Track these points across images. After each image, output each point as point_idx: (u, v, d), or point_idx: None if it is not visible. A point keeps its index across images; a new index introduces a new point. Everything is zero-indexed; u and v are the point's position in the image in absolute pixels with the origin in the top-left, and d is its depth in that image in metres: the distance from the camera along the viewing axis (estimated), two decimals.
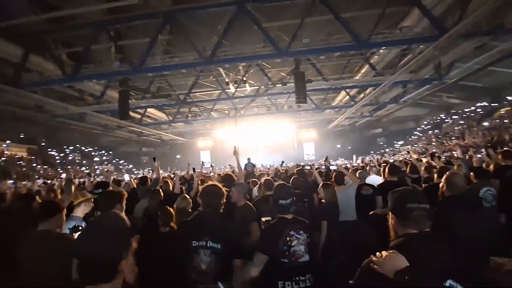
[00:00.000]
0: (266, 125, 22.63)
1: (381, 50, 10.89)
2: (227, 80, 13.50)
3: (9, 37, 8.46)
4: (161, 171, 4.96)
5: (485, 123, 18.15)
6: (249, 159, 10.27)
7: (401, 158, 11.26)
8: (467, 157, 7.29)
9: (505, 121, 16.39)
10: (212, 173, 7.47)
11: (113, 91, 13.01)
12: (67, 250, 1.93)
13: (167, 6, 8.34)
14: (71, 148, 26.38)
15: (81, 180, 10.13)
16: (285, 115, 19.53)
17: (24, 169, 19.28)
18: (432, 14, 7.95)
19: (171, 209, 2.75)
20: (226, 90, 14.42)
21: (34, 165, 21.13)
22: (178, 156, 31.57)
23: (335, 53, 9.63)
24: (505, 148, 5.07)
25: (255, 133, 24.23)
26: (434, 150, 15.60)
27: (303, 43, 9.01)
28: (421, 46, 9.70)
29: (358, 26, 8.83)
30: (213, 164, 10.43)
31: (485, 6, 6.95)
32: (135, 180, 5.89)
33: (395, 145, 26.45)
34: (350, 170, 4.87)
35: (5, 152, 19.83)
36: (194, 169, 5.69)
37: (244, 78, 13.07)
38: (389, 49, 10.56)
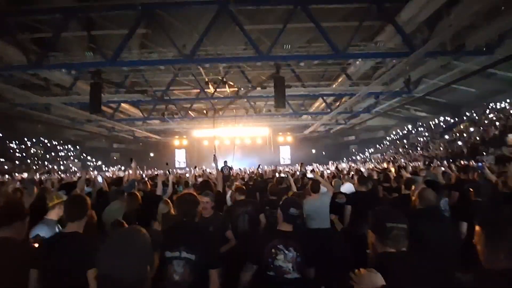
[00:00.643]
0: (243, 127, 22.63)
1: (357, 61, 11.32)
2: (206, 79, 13.30)
3: None
4: (139, 171, 4.74)
5: (446, 136, 19.53)
6: (225, 162, 10.19)
7: (371, 166, 11.76)
8: (431, 168, 7.75)
9: (464, 135, 17.74)
10: (187, 175, 7.30)
11: (83, 83, 12.30)
12: (23, 260, 1.77)
13: None
14: (33, 140, 24.52)
15: (44, 177, 9.45)
16: (263, 118, 19.65)
17: None
18: (404, 32, 8.42)
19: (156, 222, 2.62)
20: (205, 90, 14.20)
21: None
22: (151, 154, 30.59)
23: (314, 61, 9.88)
24: (463, 163, 5.50)
25: (233, 135, 24.15)
26: (403, 161, 16.49)
27: (284, 49, 9.14)
28: (393, 61, 10.22)
29: (337, 36, 9.12)
30: (189, 168, 10.19)
31: (449, 29, 7.53)
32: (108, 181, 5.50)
33: (366, 153, 27.66)
34: (326, 177, 4.99)
35: None
36: (169, 171, 5.52)
37: (224, 79, 12.95)
38: (364, 61, 11.01)
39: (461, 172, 5.25)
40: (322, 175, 5.04)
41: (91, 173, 11.24)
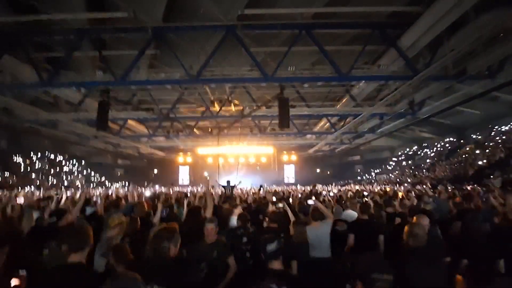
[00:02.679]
0: (248, 146, 22.66)
1: (361, 83, 11.46)
2: (212, 98, 13.52)
3: None
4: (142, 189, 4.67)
5: (452, 158, 19.31)
6: (228, 181, 10.11)
7: (377, 189, 11.54)
8: (436, 193, 7.59)
9: (469, 157, 17.51)
10: (189, 192, 7.24)
11: (92, 99, 12.59)
12: None
13: (157, 22, 8.35)
14: (38, 155, 24.75)
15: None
16: (268, 137, 19.72)
17: None
18: (407, 55, 8.57)
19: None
20: (210, 109, 14.40)
21: None
22: (155, 171, 30.62)
23: (318, 82, 10.04)
24: (468, 188, 5.40)
25: (237, 153, 24.16)
26: (406, 185, 16.21)
27: (289, 70, 9.33)
28: (396, 83, 10.34)
29: (340, 59, 9.31)
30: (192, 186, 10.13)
31: (450, 54, 7.66)
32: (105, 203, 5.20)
33: (372, 173, 27.31)
34: (328, 201, 4.89)
35: None
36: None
37: (230, 98, 13.16)
38: (368, 83, 11.15)
39: (464, 200, 5.14)
40: (323, 200, 4.94)
41: (92, 191, 11.19)
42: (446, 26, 7.38)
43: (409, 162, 24.64)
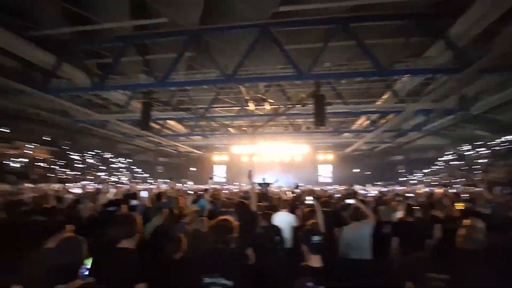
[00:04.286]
0: (282, 144, 22.53)
1: (404, 78, 10.73)
2: (246, 97, 13.66)
3: (42, 45, 9.03)
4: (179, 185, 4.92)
5: (511, 159, 17.21)
6: (263, 179, 10.11)
7: (421, 191, 10.71)
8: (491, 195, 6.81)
9: None
10: (225, 191, 7.39)
11: (136, 101, 13.48)
12: None
13: (194, 25, 8.66)
14: (91, 153, 27.26)
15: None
16: (302, 135, 19.40)
17: (43, 170, 19.99)
18: (457, 46, 7.80)
19: (181, 234, 2.68)
20: (245, 107, 14.58)
21: (54, 167, 21.88)
22: (192, 169, 31.87)
23: (356, 78, 9.61)
24: None
25: (271, 151, 24.16)
26: (457, 187, 14.83)
27: (324, 67, 9.07)
28: (444, 77, 9.48)
29: (381, 53, 8.78)
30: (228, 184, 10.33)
31: (508, 43, 6.78)
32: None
33: (416, 174, 25.47)
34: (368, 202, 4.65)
35: (26, 153, 20.69)
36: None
37: (264, 97, 13.18)
38: (412, 77, 10.39)
39: None
40: (363, 200, 4.69)
41: (137, 186, 12.00)
42: (503, 11, 6.57)
43: (460, 162, 22.49)
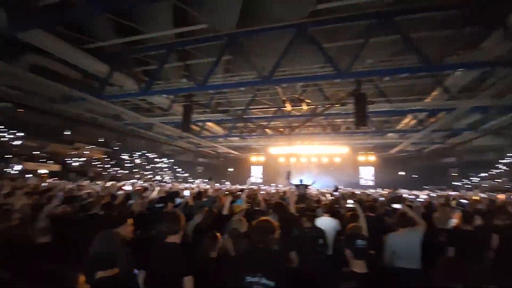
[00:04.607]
0: (320, 145, 21.98)
1: (456, 72, 9.76)
2: (283, 98, 13.58)
3: (97, 56, 9.98)
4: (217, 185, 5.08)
5: None
6: (301, 180, 9.95)
7: (477, 197, 9.61)
8: None
9: None
10: (261, 192, 7.42)
11: (178, 105, 14.19)
12: None
13: (231, 29, 8.84)
14: (138, 153, 29.41)
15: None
16: (342, 136, 18.70)
17: (99, 169, 22.03)
18: None
19: (218, 234, 2.75)
20: (281, 108, 14.50)
21: (107, 166, 23.97)
22: (230, 169, 32.60)
23: (401, 75, 8.99)
24: None
25: (309, 153, 23.69)
26: None
27: (366, 64, 8.63)
28: (505, 69, 8.41)
29: (429, 47, 8.09)
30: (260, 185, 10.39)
31: None
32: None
33: (472, 178, 23.02)
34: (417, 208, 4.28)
35: (84, 153, 23.01)
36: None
37: (301, 97, 12.98)
38: (466, 72, 9.41)
39: None
40: (411, 206, 4.31)
41: (180, 185, 12.65)
42: None
43: None
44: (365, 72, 8.68)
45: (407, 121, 16.07)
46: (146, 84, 10.71)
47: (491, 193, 13.92)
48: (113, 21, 9.01)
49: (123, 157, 26.90)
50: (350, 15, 7.93)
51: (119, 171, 23.73)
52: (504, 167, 21.72)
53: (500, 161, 22.65)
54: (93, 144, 24.78)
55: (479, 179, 22.33)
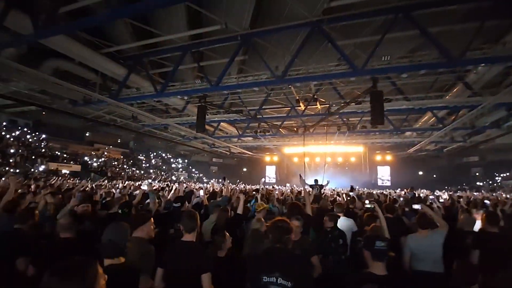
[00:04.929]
0: (335, 145, 21.67)
1: (479, 68, 9.36)
2: (297, 97, 13.49)
3: (115, 59, 10.26)
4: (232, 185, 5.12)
5: None
6: (316, 180, 9.84)
7: (503, 197, 9.16)
8: None
9: None
10: (277, 191, 7.39)
11: (192, 105, 14.39)
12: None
13: (245, 29, 8.86)
14: (154, 154, 30.06)
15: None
16: (358, 135, 18.34)
17: (117, 169, 22.63)
18: None
19: (227, 233, 2.76)
20: (295, 108, 14.41)
21: (125, 166, 24.59)
22: (244, 169, 32.73)
23: (420, 71, 8.71)
24: None
25: (323, 152, 23.42)
26: None
27: (383, 61, 8.42)
28: None
29: (449, 41, 7.78)
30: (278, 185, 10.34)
31: None
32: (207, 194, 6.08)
33: (496, 178, 22.01)
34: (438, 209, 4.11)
35: (104, 154, 23.76)
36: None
37: (315, 96, 12.84)
38: (489, 66, 9.00)
39: None
40: (431, 206, 4.16)
41: (194, 185, 12.81)
42: None
43: None
44: (382, 69, 8.46)
45: (426, 119, 15.56)
46: (162, 85, 10.92)
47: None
48: (130, 25, 9.26)
49: (140, 157, 27.58)
50: (365, 11, 7.76)
51: (136, 171, 24.35)
52: None
53: None
54: (111, 145, 25.56)
55: (504, 177, 21.31)
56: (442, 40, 7.54)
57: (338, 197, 8.19)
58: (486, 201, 7.81)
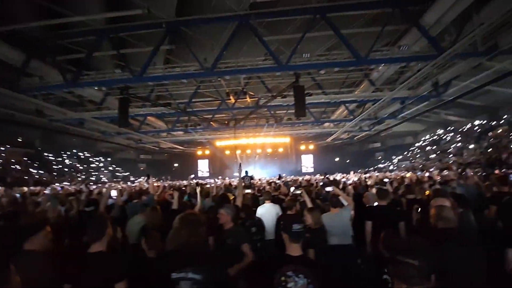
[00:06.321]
0: (265, 137, 22.71)
1: (380, 67, 11.03)
2: (227, 90, 13.57)
3: (11, 41, 8.51)
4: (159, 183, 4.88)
5: (482, 141, 18.27)
6: (246, 172, 10.17)
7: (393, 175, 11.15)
8: (464, 176, 7.26)
9: (502, 139, 16.49)
10: (211, 185, 7.39)
11: (113, 98, 13.03)
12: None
13: (170, 17, 8.43)
14: (68, 153, 26.18)
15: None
16: (284, 127, 19.59)
17: (19, 174, 19.03)
18: (430, 34, 8.11)
19: (156, 233, 2.67)
20: (226, 101, 14.48)
21: (30, 169, 20.86)
22: (175, 165, 31.45)
23: (334, 68, 9.78)
24: (499, 174, 5.06)
25: (254, 144, 24.28)
26: (431, 170, 15.56)
27: (304, 57, 9.15)
28: (419, 64, 9.84)
29: (358, 43, 8.98)
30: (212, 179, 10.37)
31: (480, 28, 7.15)
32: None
33: (393, 160, 26.54)
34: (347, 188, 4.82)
35: (2, 155, 19.60)
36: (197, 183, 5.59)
37: (244, 90, 13.15)
38: (388, 66, 10.71)
39: (499, 183, 4.81)
40: (343, 187, 4.85)
41: (117, 185, 11.73)
42: None
43: (434, 147, 23.64)
44: (303, 65, 9.19)
45: (340, 111, 17.62)
46: (74, 74, 9.55)
47: (406, 172, 16.24)
48: (31, 2, 7.76)
49: (50, 158, 23.68)
50: (288, 10, 8.28)
51: (45, 175, 20.87)
52: (418, 149, 25.58)
53: (416, 144, 26.60)
54: (8, 145, 21.16)
55: (399, 159, 25.86)
56: (352, 41, 8.61)
57: (267, 186, 8.70)
58: (386, 180, 9.40)
